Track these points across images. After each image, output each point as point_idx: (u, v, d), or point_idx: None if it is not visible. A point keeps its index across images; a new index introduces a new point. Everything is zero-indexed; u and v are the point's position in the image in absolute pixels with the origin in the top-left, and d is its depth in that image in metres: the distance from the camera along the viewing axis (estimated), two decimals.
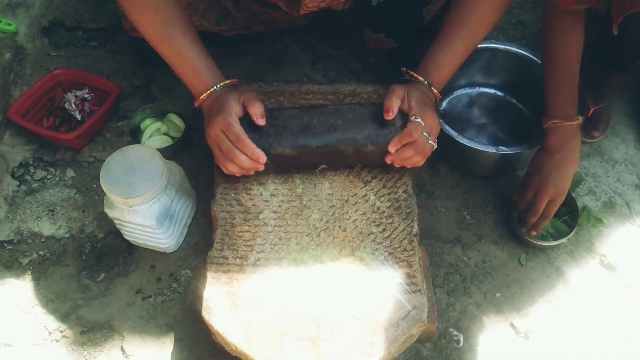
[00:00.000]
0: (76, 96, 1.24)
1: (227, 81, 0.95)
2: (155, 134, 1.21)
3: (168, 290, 1.03)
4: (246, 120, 0.90)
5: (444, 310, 1.00)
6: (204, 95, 0.94)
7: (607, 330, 0.99)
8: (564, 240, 1.05)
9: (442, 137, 0.97)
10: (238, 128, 0.88)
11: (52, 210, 1.13)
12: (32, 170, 1.18)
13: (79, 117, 1.22)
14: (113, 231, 1.09)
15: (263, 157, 0.90)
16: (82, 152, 1.20)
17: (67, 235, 1.10)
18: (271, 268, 0.89)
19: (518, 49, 1.22)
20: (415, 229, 0.94)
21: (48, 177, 1.17)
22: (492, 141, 1.21)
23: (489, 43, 1.22)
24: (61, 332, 0.99)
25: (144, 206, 0.95)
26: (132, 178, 0.93)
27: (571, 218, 1.07)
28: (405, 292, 0.86)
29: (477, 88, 1.30)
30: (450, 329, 0.99)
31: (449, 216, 1.12)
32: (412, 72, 0.97)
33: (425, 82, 0.95)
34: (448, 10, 1.00)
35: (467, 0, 0.96)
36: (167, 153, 1.16)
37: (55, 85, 1.25)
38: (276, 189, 1.01)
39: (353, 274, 0.89)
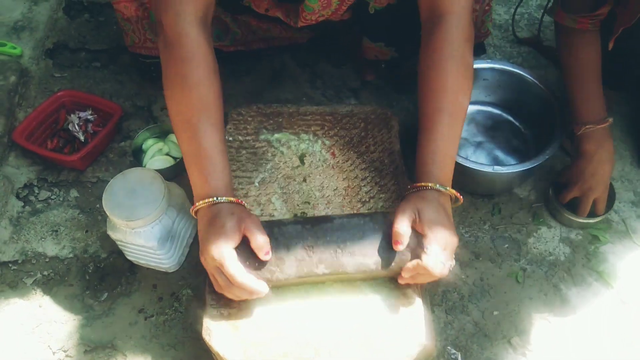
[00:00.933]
0: (79, 117, 1.26)
1: (232, 199, 0.83)
2: (157, 154, 1.23)
3: (170, 310, 1.04)
4: (245, 247, 0.81)
5: (442, 328, 1.02)
6: (201, 202, 0.82)
7: (604, 347, 1.00)
8: (602, 217, 1.12)
9: None
10: (234, 268, 0.77)
11: (56, 231, 1.15)
12: (37, 191, 1.20)
13: (82, 138, 1.24)
14: (115, 251, 1.10)
15: (264, 290, 0.80)
16: (85, 173, 1.22)
17: (71, 255, 1.11)
18: (271, 291, 0.90)
19: (514, 68, 1.23)
20: None
21: (52, 197, 1.19)
22: (489, 159, 1.23)
23: (486, 63, 1.24)
24: (65, 351, 1.01)
25: (146, 228, 0.96)
26: (134, 201, 0.95)
27: (610, 197, 1.12)
28: (403, 313, 0.87)
29: (475, 106, 1.31)
30: (449, 347, 1.00)
31: None
32: (418, 184, 0.85)
33: (437, 185, 0.84)
34: (419, 96, 0.93)
35: (433, 83, 0.90)
36: (168, 173, 1.18)
37: (59, 107, 1.27)
38: (276, 209, 1.03)
39: (351, 297, 0.90)
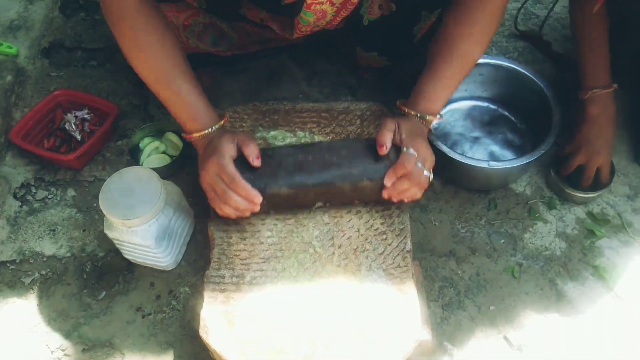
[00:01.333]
0: (76, 117, 1.26)
1: (221, 121, 0.96)
2: (154, 152, 1.23)
3: (167, 308, 1.05)
4: (240, 162, 0.90)
5: (439, 324, 1.02)
6: (198, 134, 0.94)
7: (600, 342, 1.01)
8: (602, 192, 1.15)
9: (436, 152, 0.99)
10: (232, 169, 0.87)
11: (54, 230, 1.15)
12: (34, 191, 1.20)
13: (79, 137, 1.24)
14: (113, 250, 1.11)
15: (258, 197, 0.89)
16: (82, 172, 1.23)
17: (68, 254, 1.12)
18: (267, 286, 0.91)
19: (510, 63, 1.23)
20: (409, 245, 0.96)
21: (49, 197, 1.20)
22: (486, 154, 1.23)
23: (482, 58, 1.24)
24: (63, 350, 1.01)
25: (143, 227, 0.97)
26: (130, 200, 0.95)
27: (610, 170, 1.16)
28: (399, 308, 0.88)
29: (471, 101, 1.32)
30: (445, 343, 1.00)
31: (443, 230, 1.14)
32: (403, 107, 0.98)
33: (418, 115, 0.96)
34: (437, 32, 1.01)
35: (456, 23, 0.97)
36: (165, 171, 1.19)
37: (55, 106, 1.27)
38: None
39: (348, 291, 0.90)
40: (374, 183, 0.92)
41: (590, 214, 1.16)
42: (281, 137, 1.12)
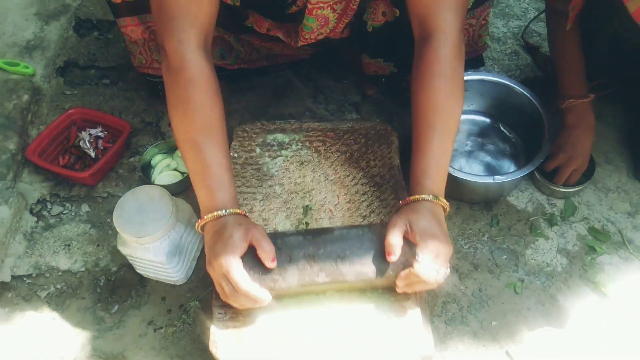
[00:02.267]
0: (90, 134, 1.30)
1: (238, 210, 0.87)
2: (166, 169, 1.27)
3: (178, 322, 1.08)
4: (251, 256, 0.85)
5: (442, 339, 1.04)
6: (209, 216, 0.85)
7: (600, 358, 1.03)
8: (582, 187, 1.22)
9: None
10: (239, 275, 0.81)
11: (69, 245, 1.19)
12: (49, 206, 1.24)
13: (93, 154, 1.28)
14: (126, 264, 1.14)
15: (267, 299, 0.84)
16: (96, 188, 1.26)
17: (83, 268, 1.15)
18: (274, 304, 0.94)
19: (493, 76, 1.28)
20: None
21: (64, 212, 1.24)
22: (482, 167, 1.27)
23: (468, 75, 1.27)
24: None
25: (155, 244, 1.00)
26: (143, 218, 0.99)
27: (589, 170, 1.23)
28: (403, 324, 0.90)
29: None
30: (448, 358, 1.02)
31: None
32: (411, 198, 0.89)
33: (430, 196, 0.87)
34: (412, 115, 0.96)
35: (424, 102, 0.93)
36: (176, 188, 1.22)
37: (70, 124, 1.31)
38: (279, 223, 1.07)
39: (353, 307, 0.93)
40: (387, 280, 0.88)
41: (591, 230, 1.18)
42: (288, 140, 1.16)
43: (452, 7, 0.93)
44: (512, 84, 1.25)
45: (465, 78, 1.26)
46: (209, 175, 0.88)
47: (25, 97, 1.33)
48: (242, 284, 0.81)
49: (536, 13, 1.56)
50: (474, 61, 1.36)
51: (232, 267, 0.81)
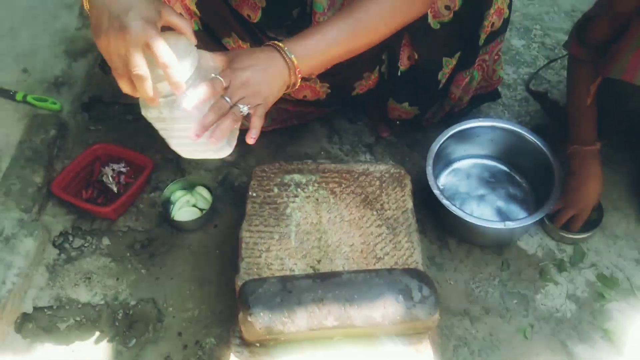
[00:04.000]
0: (113, 169, 1.35)
1: None
2: (185, 205, 1.31)
3: (194, 358, 1.10)
4: (251, 289, 0.90)
5: None
6: None
7: None
8: (590, 234, 1.24)
9: (451, 216, 1.08)
10: (162, 43, 0.73)
11: (89, 278, 1.22)
12: (71, 239, 1.28)
13: (115, 189, 1.33)
14: (144, 298, 1.17)
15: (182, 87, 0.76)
16: (117, 222, 1.30)
17: (102, 302, 1.18)
18: (291, 344, 0.96)
19: (504, 123, 1.32)
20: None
21: (85, 245, 1.27)
22: (493, 211, 1.30)
23: (479, 121, 1.32)
24: None
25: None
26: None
27: (598, 215, 1.25)
28: None
29: (470, 160, 1.39)
30: None
31: (458, 289, 1.19)
32: (275, 42, 0.87)
33: (285, 49, 0.85)
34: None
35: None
36: (195, 224, 1.26)
37: (94, 159, 1.36)
38: (295, 263, 1.09)
39: (367, 349, 0.95)
40: (394, 325, 0.91)
41: (599, 277, 1.21)
42: (305, 196, 1.19)
43: None
44: (522, 131, 1.29)
45: (477, 124, 1.32)
46: None
47: (52, 132, 1.38)
48: (165, 53, 0.72)
49: (545, 61, 1.61)
50: (491, 94, 1.42)
51: (153, 34, 0.72)
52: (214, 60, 0.84)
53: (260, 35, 1.17)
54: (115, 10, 0.74)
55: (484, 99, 1.43)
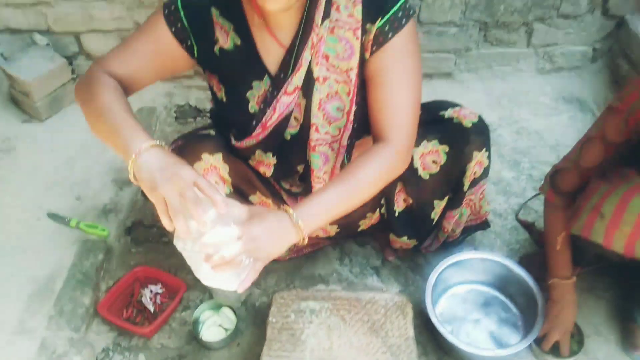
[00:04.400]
0: (151, 291, 1.54)
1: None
2: (212, 325, 1.48)
3: None
4: None
5: None
6: (146, 145, 0.98)
7: None
8: (573, 358, 1.36)
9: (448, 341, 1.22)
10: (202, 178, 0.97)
11: None
12: (111, 355, 1.45)
13: (152, 309, 1.51)
14: None
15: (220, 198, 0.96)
16: (152, 340, 1.48)
17: None
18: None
19: (494, 256, 1.51)
20: None
21: None
22: (486, 335, 1.45)
23: (472, 254, 1.51)
24: None
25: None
26: None
27: (579, 342, 1.39)
28: None
29: (466, 285, 1.55)
30: None
31: None
32: (286, 208, 1.06)
33: (292, 212, 1.04)
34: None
35: (351, 166, 1.14)
36: (220, 343, 1.43)
37: (134, 281, 1.56)
38: None
39: None
40: None
41: None
42: (319, 322, 1.37)
43: (401, 128, 1.16)
44: (509, 264, 1.47)
45: (471, 257, 1.50)
46: (125, 127, 1.02)
47: (100, 256, 1.60)
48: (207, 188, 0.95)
49: (533, 192, 1.82)
50: (481, 225, 1.61)
51: (197, 176, 0.96)
52: (239, 210, 1.04)
53: (277, 187, 1.41)
54: (166, 170, 0.97)
55: (474, 229, 1.62)
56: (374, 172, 1.13)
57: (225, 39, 1.19)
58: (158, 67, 1.21)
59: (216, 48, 1.20)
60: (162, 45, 1.19)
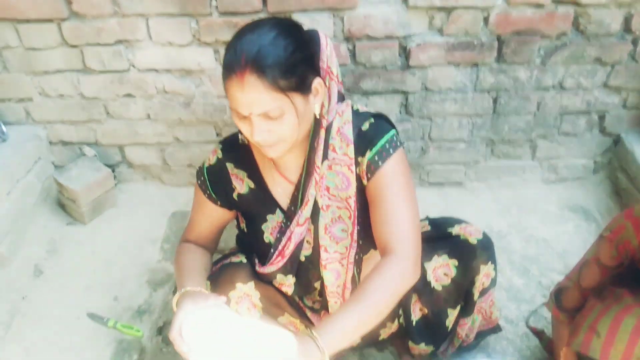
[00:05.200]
0: None
1: (189, 289, 1.33)
2: None
3: None
4: None
5: None
6: (186, 289, 1.34)
7: None
8: None
9: None
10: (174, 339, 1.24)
11: None
12: None
13: None
14: None
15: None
16: None
17: None
18: None
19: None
20: None
21: None
22: None
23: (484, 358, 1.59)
24: None
25: None
26: None
27: None
28: None
29: None
30: None
31: None
32: (313, 334, 1.14)
33: (317, 340, 1.12)
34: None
35: (362, 285, 1.23)
36: None
37: None
38: None
39: None
40: None
41: None
42: None
43: (405, 239, 1.27)
44: None
45: None
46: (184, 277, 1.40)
47: (135, 356, 1.71)
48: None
49: (542, 298, 1.91)
50: (493, 329, 1.71)
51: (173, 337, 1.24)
52: None
53: (302, 304, 1.56)
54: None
55: (487, 333, 1.71)
56: (386, 287, 1.22)
57: (241, 185, 1.44)
58: (213, 226, 1.54)
59: (234, 194, 1.46)
60: (207, 210, 1.50)
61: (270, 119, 1.20)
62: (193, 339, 1.19)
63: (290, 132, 1.24)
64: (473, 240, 1.47)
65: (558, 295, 1.48)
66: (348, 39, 2.01)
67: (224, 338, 1.15)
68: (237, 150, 1.44)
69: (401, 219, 1.30)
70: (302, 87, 1.23)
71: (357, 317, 1.19)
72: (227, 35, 2.01)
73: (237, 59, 1.16)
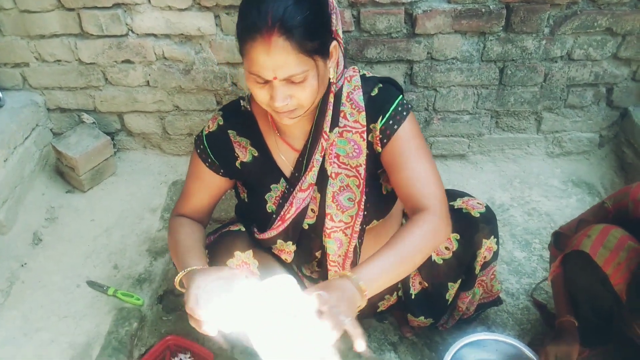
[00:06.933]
0: (180, 359, 1.64)
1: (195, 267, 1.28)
2: None
3: None
4: None
5: None
6: (181, 273, 1.31)
7: None
8: None
9: None
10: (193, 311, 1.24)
11: None
12: None
13: None
14: None
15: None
16: None
17: None
18: None
19: (505, 338, 1.58)
20: None
21: None
22: None
23: (485, 335, 1.59)
24: None
25: None
26: None
27: None
28: None
29: None
30: None
31: None
32: (344, 273, 1.12)
33: (350, 275, 1.10)
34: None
35: (402, 230, 1.23)
36: None
37: (165, 348, 1.66)
38: None
39: None
40: None
41: None
42: None
43: (433, 195, 1.27)
44: (520, 345, 1.54)
45: (484, 337, 1.58)
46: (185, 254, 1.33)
47: (135, 324, 1.71)
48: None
49: (543, 272, 1.90)
50: (493, 302, 1.70)
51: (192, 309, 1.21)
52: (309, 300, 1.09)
53: (300, 275, 1.54)
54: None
55: (488, 306, 1.71)
56: (421, 237, 1.21)
57: (244, 153, 1.40)
58: (211, 197, 1.47)
59: (237, 163, 1.41)
60: (205, 180, 1.44)
61: (293, 84, 1.15)
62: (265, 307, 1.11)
63: (311, 97, 1.19)
64: (476, 213, 1.45)
65: (556, 239, 1.55)
66: (353, 4, 1.95)
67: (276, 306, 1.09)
68: (239, 117, 1.39)
69: (427, 176, 1.29)
70: (324, 50, 1.18)
71: (392, 260, 1.17)
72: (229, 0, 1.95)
73: (262, 20, 1.08)
